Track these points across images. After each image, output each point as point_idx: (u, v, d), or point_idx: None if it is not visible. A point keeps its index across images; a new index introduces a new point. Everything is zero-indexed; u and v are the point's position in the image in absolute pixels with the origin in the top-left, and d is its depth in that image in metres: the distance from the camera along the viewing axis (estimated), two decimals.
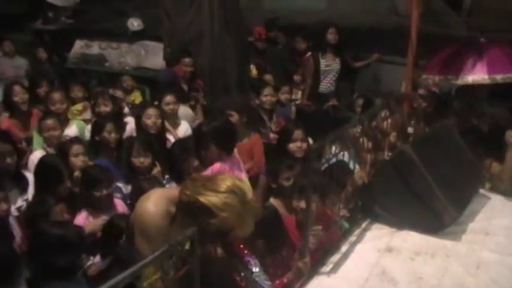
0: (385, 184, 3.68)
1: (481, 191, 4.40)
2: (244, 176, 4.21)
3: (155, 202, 2.50)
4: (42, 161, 4.59)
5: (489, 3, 6.99)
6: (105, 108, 5.86)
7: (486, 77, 5.32)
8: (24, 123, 5.90)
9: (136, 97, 7.59)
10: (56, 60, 10.54)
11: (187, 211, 2.41)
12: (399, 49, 6.20)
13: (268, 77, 7.83)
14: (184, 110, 6.37)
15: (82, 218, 4.22)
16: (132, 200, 4.28)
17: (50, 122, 5.26)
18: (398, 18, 6.72)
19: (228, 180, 2.40)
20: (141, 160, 4.75)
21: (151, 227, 2.45)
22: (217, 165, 3.97)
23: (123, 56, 9.87)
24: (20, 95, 5.90)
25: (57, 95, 6.03)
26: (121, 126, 5.41)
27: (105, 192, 4.24)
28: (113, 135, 5.08)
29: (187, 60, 7.11)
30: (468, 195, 4.07)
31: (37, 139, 5.39)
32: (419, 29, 5.58)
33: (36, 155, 5.03)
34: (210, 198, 2.33)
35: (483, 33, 6.50)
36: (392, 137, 4.46)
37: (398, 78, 6.94)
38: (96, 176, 4.28)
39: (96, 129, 5.17)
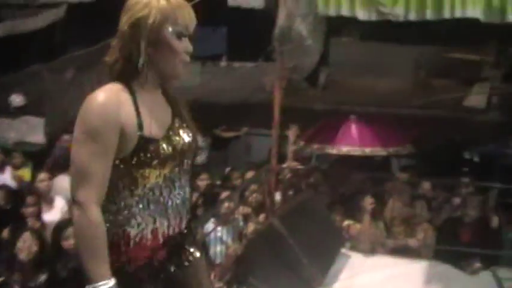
0: (257, 255, 3.67)
1: (343, 250, 4.52)
2: None
3: (105, 89, 1.82)
4: None
5: (340, 80, 7.37)
6: None
7: (357, 148, 5.55)
8: None
9: (26, 173, 7.11)
10: None
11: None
12: (267, 122, 6.36)
13: None
14: (61, 182, 5.88)
15: None
16: None
17: None
18: (265, 94, 6.89)
19: None
20: None
21: (104, 111, 1.77)
22: None
23: (5, 130, 9.28)
24: None
25: None
26: None
27: None
28: None
29: (66, 137, 6.80)
30: (332, 256, 4.18)
31: None
32: (282, 104, 5.75)
33: None
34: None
35: (338, 106, 6.81)
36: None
37: (267, 148, 7.09)
38: None
39: None
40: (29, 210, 4.94)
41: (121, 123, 1.78)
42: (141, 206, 1.83)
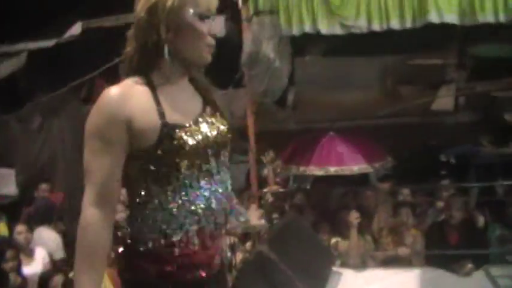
0: (250, 285, 3.54)
1: (334, 268, 4.43)
2: None
3: (117, 85, 1.72)
4: None
5: (309, 98, 7.34)
6: None
7: (346, 167, 5.34)
8: None
9: (1, 227, 6.86)
10: None
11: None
12: (240, 148, 6.26)
13: None
14: (40, 233, 5.66)
15: None
16: None
17: None
18: (236, 121, 6.80)
19: None
20: None
21: (105, 108, 1.65)
22: None
23: None
24: None
25: None
26: None
27: None
28: None
29: (44, 186, 6.60)
30: (324, 276, 4.07)
31: None
32: (256, 129, 5.65)
33: None
34: None
35: (309, 125, 6.74)
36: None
37: (243, 174, 6.96)
38: None
39: None
40: (9, 265, 4.80)
41: (126, 117, 1.63)
42: (179, 200, 1.65)
